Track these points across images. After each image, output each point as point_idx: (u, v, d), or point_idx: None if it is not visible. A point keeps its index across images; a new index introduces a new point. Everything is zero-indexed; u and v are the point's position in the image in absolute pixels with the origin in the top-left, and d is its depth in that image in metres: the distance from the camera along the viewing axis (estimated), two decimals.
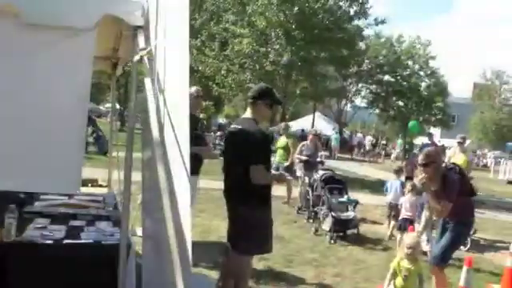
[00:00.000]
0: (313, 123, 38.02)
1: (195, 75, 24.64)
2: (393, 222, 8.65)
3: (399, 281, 4.67)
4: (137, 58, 2.87)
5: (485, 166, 41.01)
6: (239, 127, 4.40)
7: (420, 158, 5.07)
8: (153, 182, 2.77)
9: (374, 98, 41.63)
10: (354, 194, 9.49)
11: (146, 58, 2.84)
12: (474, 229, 9.05)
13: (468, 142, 53.93)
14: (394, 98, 41.54)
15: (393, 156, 32.51)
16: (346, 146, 37.06)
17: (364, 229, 8.95)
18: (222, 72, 21.82)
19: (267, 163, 4.33)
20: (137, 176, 3.27)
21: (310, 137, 11.13)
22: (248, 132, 4.22)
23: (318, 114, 48.37)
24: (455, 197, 4.83)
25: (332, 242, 7.95)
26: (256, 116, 4.40)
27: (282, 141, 11.44)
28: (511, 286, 6.32)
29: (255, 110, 4.40)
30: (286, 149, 11.17)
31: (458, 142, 9.82)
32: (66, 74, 2.84)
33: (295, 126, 44.88)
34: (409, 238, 4.88)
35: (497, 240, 9.70)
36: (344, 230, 8.33)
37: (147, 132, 2.67)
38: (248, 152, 4.13)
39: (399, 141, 33.44)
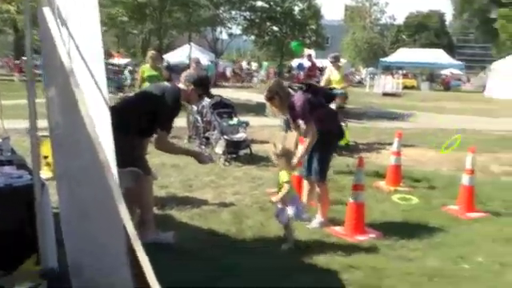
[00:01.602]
0: (190, 54, 37.51)
1: None
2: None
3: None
4: None
5: (359, 82, 43.58)
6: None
7: (264, 94, 5.29)
8: (64, 117, 2.70)
9: (249, 24, 41.76)
10: (241, 118, 9.70)
11: None
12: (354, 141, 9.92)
13: (343, 61, 56.41)
14: (269, 24, 42.04)
15: (257, 79, 33.02)
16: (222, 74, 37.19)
17: (255, 148, 9.17)
18: None
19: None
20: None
21: (193, 65, 11.06)
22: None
23: (192, 44, 47.82)
24: (309, 114, 5.05)
25: (227, 163, 8.19)
26: (184, 96, 4.71)
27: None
28: (394, 179, 7.13)
29: (187, 91, 4.71)
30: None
31: (331, 61, 10.39)
32: None
33: (172, 57, 44.22)
34: (278, 148, 4.88)
35: (378, 144, 10.61)
36: (237, 152, 8.58)
37: (52, 65, 2.54)
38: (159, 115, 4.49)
39: (264, 63, 34.06)
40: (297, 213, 4.67)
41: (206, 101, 9.08)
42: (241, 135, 8.74)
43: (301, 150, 5.10)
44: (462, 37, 75.32)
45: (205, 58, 42.87)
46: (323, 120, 5.12)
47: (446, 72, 45.12)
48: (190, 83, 4.74)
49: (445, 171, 8.33)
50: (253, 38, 44.10)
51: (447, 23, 71.91)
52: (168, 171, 7.53)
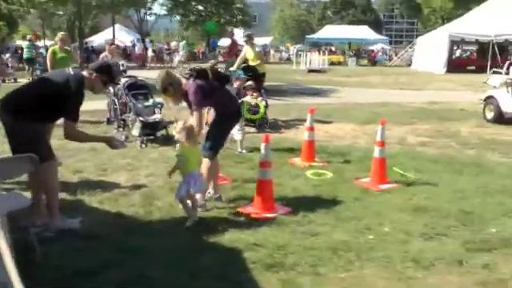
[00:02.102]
0: (113, 35, 36.30)
1: None
2: None
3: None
4: None
5: (288, 59, 43.79)
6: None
7: (157, 87, 5.22)
8: None
9: (173, 4, 40.95)
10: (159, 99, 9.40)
11: None
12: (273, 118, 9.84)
13: (270, 38, 56.31)
14: (194, 3, 41.40)
15: (176, 59, 32.36)
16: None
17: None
18: None
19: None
20: None
21: (107, 47, 10.71)
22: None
23: (118, 25, 46.43)
24: (202, 100, 5.06)
25: (143, 146, 7.90)
26: (88, 84, 4.58)
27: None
28: (308, 155, 7.07)
29: (90, 79, 4.59)
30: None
31: (244, 41, 10.27)
32: None
33: (96, 40, 42.74)
34: (178, 124, 4.86)
35: (297, 120, 10.56)
36: (154, 133, 8.32)
37: None
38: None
39: (182, 43, 33.39)
40: (188, 188, 4.66)
41: (121, 82, 8.72)
42: (156, 116, 8.46)
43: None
44: (387, 13, 77.49)
45: (130, 39, 41.94)
46: (219, 103, 5.22)
47: (376, 47, 46.26)
48: (92, 71, 4.65)
49: (361, 144, 8.38)
50: (178, 18, 43.32)
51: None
52: (84, 155, 7.28)
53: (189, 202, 4.79)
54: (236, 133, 7.60)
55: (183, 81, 5.14)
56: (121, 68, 10.32)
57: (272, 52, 51.14)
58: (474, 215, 4.96)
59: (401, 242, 4.34)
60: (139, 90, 8.73)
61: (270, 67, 34.12)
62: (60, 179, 6.12)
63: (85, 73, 4.68)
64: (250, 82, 10.03)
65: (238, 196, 5.54)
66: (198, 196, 5.10)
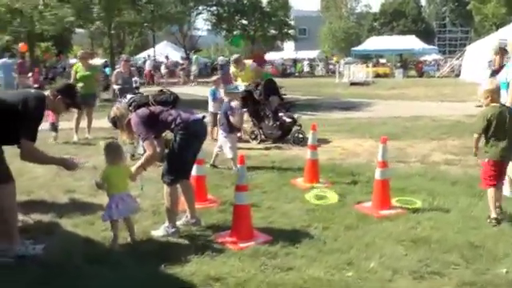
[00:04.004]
0: (154, 53, 36.77)
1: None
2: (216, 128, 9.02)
3: None
4: None
5: (334, 72, 43.07)
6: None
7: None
8: None
9: (217, 19, 41.19)
10: None
11: None
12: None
13: (317, 52, 55.65)
14: (237, 18, 41.49)
15: (192, 73, 32.01)
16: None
17: None
18: (40, 8, 19.86)
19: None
20: None
21: (122, 63, 10.63)
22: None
23: (165, 42, 47.17)
24: (149, 128, 4.60)
25: None
26: (50, 105, 4.38)
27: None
28: (311, 175, 6.51)
29: (52, 100, 4.37)
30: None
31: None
32: None
33: (142, 56, 43.33)
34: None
35: (319, 139, 9.93)
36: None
37: None
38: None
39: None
40: (109, 212, 4.38)
41: (126, 99, 8.46)
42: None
43: (137, 164, 4.67)
44: (438, 21, 75.28)
45: (178, 55, 42.38)
46: (170, 126, 4.66)
47: (427, 58, 44.72)
48: (56, 92, 4.40)
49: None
50: (224, 33, 43.47)
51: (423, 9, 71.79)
52: (83, 174, 6.63)
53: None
54: (228, 151, 7.16)
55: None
56: (134, 85, 10.16)
57: (320, 65, 50.54)
58: (482, 250, 4.26)
59: (384, 281, 3.74)
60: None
61: (311, 81, 34.15)
62: (49, 200, 5.98)
63: (48, 93, 4.44)
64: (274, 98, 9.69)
65: (222, 221, 5.06)
66: (165, 224, 4.68)
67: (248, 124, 10.05)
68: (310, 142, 6.65)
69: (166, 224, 4.70)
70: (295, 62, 47.44)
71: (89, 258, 4.17)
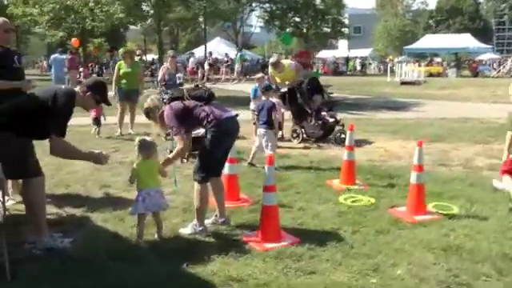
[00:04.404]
0: (205, 49, 37.07)
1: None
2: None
3: None
4: None
5: (386, 70, 42.35)
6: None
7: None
8: None
9: (270, 16, 41.12)
10: None
11: None
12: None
13: (370, 50, 54.75)
14: (290, 15, 41.29)
15: (236, 70, 32.00)
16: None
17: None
18: (90, 5, 20.42)
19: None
20: None
21: (169, 60, 10.82)
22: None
23: (218, 38, 47.53)
24: (181, 123, 4.62)
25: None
26: (79, 101, 4.45)
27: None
28: (347, 176, 6.40)
29: (82, 96, 4.44)
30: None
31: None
32: None
33: (197, 52, 43.84)
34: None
35: (361, 140, 9.76)
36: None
37: None
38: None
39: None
40: (136, 206, 4.45)
41: (166, 95, 8.56)
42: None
43: (167, 157, 4.81)
44: (496, 19, 72.28)
45: (232, 51, 42.66)
46: (202, 121, 4.64)
47: (484, 57, 43.16)
48: (86, 88, 4.47)
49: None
50: (276, 30, 43.30)
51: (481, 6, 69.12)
52: (120, 169, 7.10)
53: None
54: (267, 148, 7.13)
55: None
56: (177, 81, 10.28)
57: (373, 64, 49.73)
58: None
59: None
60: None
61: (363, 79, 33.66)
62: (84, 194, 6.15)
63: (77, 89, 4.51)
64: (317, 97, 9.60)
65: (252, 221, 5.04)
66: (193, 222, 4.72)
67: (290, 123, 10.00)
68: (347, 142, 6.53)
69: (194, 222, 4.73)
70: (347, 60, 46.88)
71: (113, 253, 4.23)
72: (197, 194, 4.70)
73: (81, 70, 20.40)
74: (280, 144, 9.17)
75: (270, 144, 7.21)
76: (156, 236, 4.60)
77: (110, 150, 5.16)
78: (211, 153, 4.62)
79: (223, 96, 18.30)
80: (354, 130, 6.65)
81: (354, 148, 6.54)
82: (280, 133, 9.86)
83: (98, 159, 4.52)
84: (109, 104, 4.75)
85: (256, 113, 7.53)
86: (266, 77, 10.30)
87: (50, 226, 4.98)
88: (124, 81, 10.06)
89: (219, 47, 42.13)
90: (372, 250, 4.31)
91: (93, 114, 9.53)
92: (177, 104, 4.64)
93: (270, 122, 7.33)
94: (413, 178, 5.27)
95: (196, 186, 4.70)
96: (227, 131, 4.67)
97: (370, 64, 49.87)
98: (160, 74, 10.70)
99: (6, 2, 27.03)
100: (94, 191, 6.26)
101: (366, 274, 3.85)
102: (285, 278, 3.78)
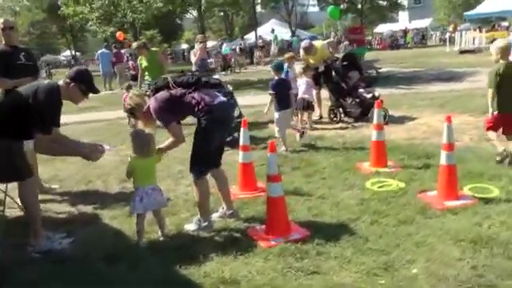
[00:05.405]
0: (256, 33, 36.58)
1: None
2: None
3: None
4: None
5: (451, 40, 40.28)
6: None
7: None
8: None
9: None
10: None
11: None
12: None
13: (430, 20, 52.16)
14: None
15: (272, 52, 31.15)
16: None
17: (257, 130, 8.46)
18: None
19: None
20: None
21: (200, 45, 10.57)
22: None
23: (273, 20, 46.94)
24: (170, 114, 4.23)
25: None
26: (64, 94, 4.18)
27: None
28: (377, 158, 5.88)
29: (67, 88, 4.18)
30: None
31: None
32: None
33: (253, 37, 43.51)
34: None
35: (404, 116, 9.09)
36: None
37: None
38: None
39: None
40: (134, 205, 4.15)
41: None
42: None
43: (161, 146, 4.37)
44: None
45: (286, 32, 42.02)
46: (193, 110, 4.26)
47: None
48: (69, 79, 4.21)
49: (463, 143, 6.78)
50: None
51: None
52: None
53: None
54: (276, 129, 7.03)
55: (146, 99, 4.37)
56: (210, 66, 9.99)
57: (434, 35, 47.39)
58: None
59: None
60: (212, 88, 8.10)
61: (421, 51, 32.04)
62: (102, 190, 6.00)
63: (61, 82, 4.25)
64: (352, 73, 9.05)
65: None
66: (198, 217, 4.40)
67: (328, 102, 9.49)
68: (374, 120, 5.96)
69: (198, 217, 4.41)
70: (405, 32, 44.96)
71: (110, 253, 4.02)
72: (196, 189, 4.37)
73: (130, 63, 20.45)
74: (317, 126, 8.74)
75: (277, 128, 6.92)
76: (159, 233, 4.32)
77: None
78: (206, 143, 4.24)
79: (251, 80, 18.00)
80: (381, 107, 6.07)
81: (382, 127, 5.98)
82: (318, 112, 9.40)
83: (87, 155, 4.28)
84: (96, 92, 4.44)
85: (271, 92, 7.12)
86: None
87: (57, 225, 4.89)
88: (146, 74, 9.71)
89: (275, 29, 41.55)
90: (389, 243, 3.83)
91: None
92: (162, 94, 4.24)
93: (283, 102, 7.07)
94: (442, 158, 4.69)
95: (194, 180, 4.36)
96: (221, 117, 4.27)
97: (431, 35, 47.58)
98: (193, 59, 10.40)
99: (59, 3, 27.68)
100: (113, 187, 6.09)
101: (375, 273, 3.40)
102: (282, 280, 3.39)
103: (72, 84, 4.18)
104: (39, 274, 3.75)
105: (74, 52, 46.06)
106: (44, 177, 6.31)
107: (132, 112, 4.43)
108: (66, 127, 10.75)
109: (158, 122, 4.35)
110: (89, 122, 11.29)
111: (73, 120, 11.35)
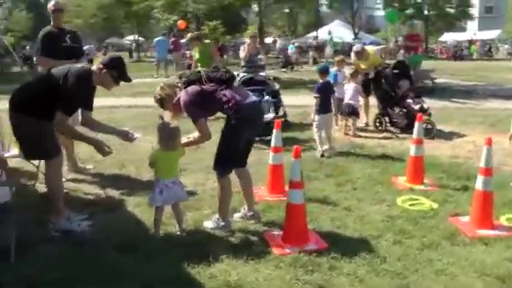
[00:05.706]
0: (316, 32, 36.25)
1: None
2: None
3: None
4: None
5: None
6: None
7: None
8: None
9: None
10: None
11: None
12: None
13: (498, 32, 50.09)
14: None
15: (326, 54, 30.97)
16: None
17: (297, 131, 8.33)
18: None
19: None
20: None
21: (248, 41, 10.77)
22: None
23: (337, 21, 46.48)
24: (199, 109, 4.14)
25: None
26: (96, 79, 4.31)
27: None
28: (413, 174, 5.64)
29: (99, 74, 4.29)
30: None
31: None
32: None
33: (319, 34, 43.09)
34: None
35: (453, 132, 8.72)
36: (263, 134, 7.46)
37: None
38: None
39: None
40: (153, 197, 4.12)
41: (239, 77, 8.23)
42: (268, 115, 7.59)
43: (186, 140, 4.32)
44: None
45: (349, 34, 41.49)
46: (222, 108, 4.18)
47: None
48: (102, 65, 4.29)
49: (511, 168, 6.43)
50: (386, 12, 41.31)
51: None
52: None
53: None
54: (314, 130, 6.97)
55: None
56: (259, 62, 9.93)
57: (502, 47, 45.42)
58: None
59: None
60: (256, 85, 8.06)
61: (484, 64, 30.72)
62: (133, 176, 6.05)
63: (94, 67, 4.33)
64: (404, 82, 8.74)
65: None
66: (216, 216, 4.32)
67: (376, 110, 9.23)
68: (414, 134, 5.71)
69: (217, 216, 4.35)
70: (470, 43, 43.37)
71: (124, 242, 4.03)
72: (219, 187, 4.31)
73: (187, 52, 20.61)
74: (360, 133, 8.52)
75: (315, 131, 7.02)
76: (177, 227, 4.29)
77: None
78: (233, 142, 4.17)
79: (304, 79, 17.83)
80: (422, 120, 5.81)
81: (422, 141, 5.72)
82: (364, 121, 9.17)
83: (99, 148, 4.37)
84: (128, 80, 4.47)
85: (316, 95, 6.98)
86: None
87: (82, 206, 4.95)
88: (199, 65, 9.75)
89: (337, 30, 41.10)
90: (407, 267, 3.64)
91: None
92: (193, 88, 4.16)
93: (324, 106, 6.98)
94: (478, 182, 4.42)
95: (217, 177, 4.30)
96: (250, 117, 4.18)
97: (500, 47, 45.66)
98: (242, 55, 10.36)
99: None
100: (143, 174, 6.07)
101: None
102: None
103: (104, 70, 4.25)
104: (58, 255, 3.82)
105: (136, 37, 47.06)
106: (81, 156, 6.43)
107: (162, 102, 4.37)
108: (117, 110, 11.26)
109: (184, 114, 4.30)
110: (139, 106, 11.40)
111: (125, 103, 11.67)
